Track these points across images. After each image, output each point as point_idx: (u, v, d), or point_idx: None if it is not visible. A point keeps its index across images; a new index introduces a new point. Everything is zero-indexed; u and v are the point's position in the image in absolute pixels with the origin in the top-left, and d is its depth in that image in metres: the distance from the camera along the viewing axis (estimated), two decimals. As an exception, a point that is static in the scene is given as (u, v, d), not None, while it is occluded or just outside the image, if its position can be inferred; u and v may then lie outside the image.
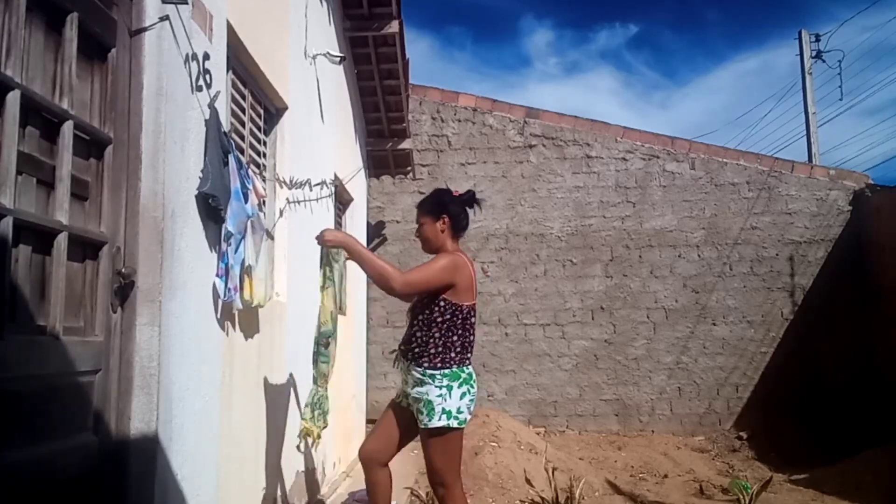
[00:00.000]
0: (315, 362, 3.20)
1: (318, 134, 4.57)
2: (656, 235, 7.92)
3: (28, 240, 1.65)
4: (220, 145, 2.51)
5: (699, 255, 7.89)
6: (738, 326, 7.80)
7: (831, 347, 7.61)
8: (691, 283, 7.86)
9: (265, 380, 3.23)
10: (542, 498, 4.50)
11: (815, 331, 7.66)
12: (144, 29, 2.08)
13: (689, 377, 7.78)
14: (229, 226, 2.55)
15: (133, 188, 2.04)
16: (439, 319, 2.79)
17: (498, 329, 7.86)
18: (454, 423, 2.74)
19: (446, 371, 2.76)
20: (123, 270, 1.99)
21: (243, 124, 3.22)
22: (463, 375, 2.79)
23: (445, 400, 2.73)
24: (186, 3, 2.23)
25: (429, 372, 2.76)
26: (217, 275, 2.53)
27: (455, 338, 2.79)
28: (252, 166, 3.30)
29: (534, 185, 8.03)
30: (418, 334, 2.83)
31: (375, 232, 7.91)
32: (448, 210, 2.94)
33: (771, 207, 7.91)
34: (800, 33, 13.04)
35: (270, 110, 3.70)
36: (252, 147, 3.39)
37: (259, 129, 3.51)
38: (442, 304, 2.79)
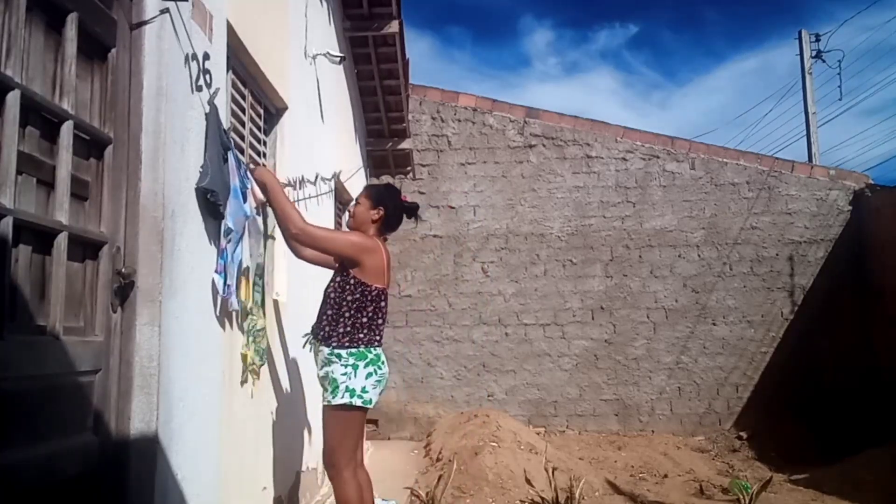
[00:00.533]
0: (250, 294, 3.08)
1: (318, 134, 4.57)
2: (656, 235, 7.93)
3: (28, 240, 1.65)
4: (219, 142, 2.51)
5: (699, 255, 7.89)
6: (738, 326, 7.80)
7: (831, 347, 7.61)
8: (691, 283, 7.86)
9: (265, 380, 3.23)
10: (542, 498, 4.50)
11: (815, 331, 7.67)
12: (145, 22, 2.08)
13: (689, 377, 7.79)
14: (229, 222, 2.55)
15: (133, 188, 2.04)
16: (349, 298, 2.86)
17: (498, 329, 7.86)
18: (357, 402, 2.79)
19: (353, 350, 2.83)
20: (123, 270, 1.99)
21: (243, 124, 3.22)
22: (370, 356, 2.84)
23: (350, 378, 2.80)
24: (186, 0, 2.23)
25: (336, 351, 2.83)
26: (216, 271, 2.53)
27: (364, 318, 2.86)
28: (252, 166, 3.30)
29: (534, 185, 8.03)
30: (329, 312, 2.90)
31: (375, 232, 7.90)
32: (387, 206, 3.06)
33: (771, 207, 7.91)
34: (800, 33, 13.05)
35: (270, 110, 3.70)
36: (252, 147, 3.39)
37: (259, 128, 3.51)
38: (352, 281, 2.86)
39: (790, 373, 7.61)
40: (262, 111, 3.55)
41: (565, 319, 7.87)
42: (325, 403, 2.86)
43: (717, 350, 7.79)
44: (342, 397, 2.79)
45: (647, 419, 7.74)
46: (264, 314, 3.14)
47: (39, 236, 1.70)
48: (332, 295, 2.92)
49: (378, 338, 2.92)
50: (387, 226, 3.08)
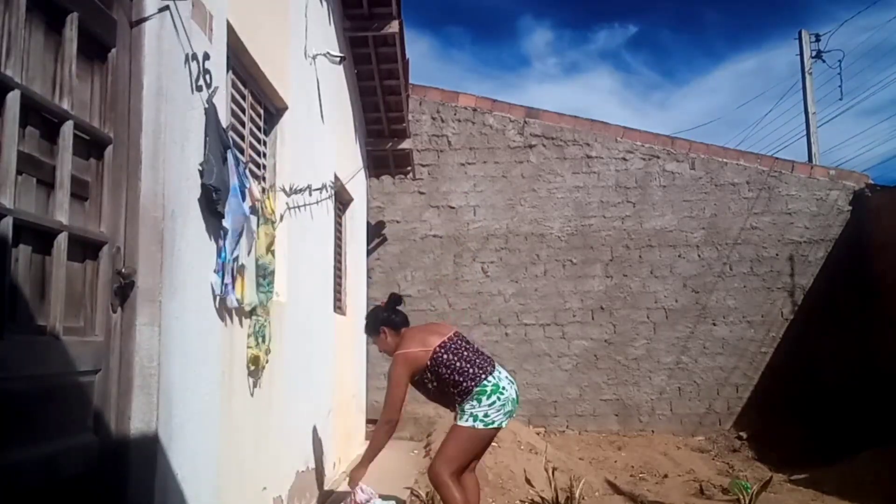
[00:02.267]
0: (256, 293, 3.06)
1: (318, 134, 4.57)
2: (656, 235, 7.92)
3: (28, 240, 1.65)
4: (220, 141, 2.51)
5: (699, 255, 7.89)
6: (738, 326, 7.80)
7: (831, 347, 7.61)
8: (691, 283, 7.86)
9: (265, 380, 3.23)
10: (542, 498, 4.50)
11: (815, 331, 7.66)
12: (145, 19, 2.08)
13: (689, 377, 7.78)
14: (226, 222, 2.55)
15: (133, 188, 2.04)
16: (436, 383, 3.33)
17: (498, 329, 7.86)
18: (479, 425, 3.21)
19: (474, 395, 3.25)
20: (123, 270, 1.99)
21: (243, 124, 3.22)
22: (488, 388, 3.22)
23: (475, 408, 3.23)
24: (185, 0, 2.23)
25: (459, 406, 3.32)
26: (214, 270, 2.53)
27: (456, 377, 3.25)
28: (252, 166, 3.30)
29: (534, 185, 8.03)
30: (444, 401, 3.42)
31: (375, 232, 7.91)
32: (383, 322, 3.52)
33: (771, 207, 7.91)
34: (800, 33, 13.05)
35: (270, 110, 3.70)
36: (252, 147, 3.39)
37: (259, 129, 3.51)
38: (424, 378, 3.35)
39: (790, 373, 7.60)
40: (262, 111, 3.55)
41: (565, 319, 7.87)
42: (454, 423, 3.31)
43: (717, 350, 7.79)
44: (465, 421, 3.23)
45: (647, 419, 7.74)
46: (268, 314, 3.15)
47: (39, 236, 1.70)
48: (433, 390, 3.39)
49: (480, 372, 3.26)
50: (396, 327, 3.52)
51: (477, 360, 3.33)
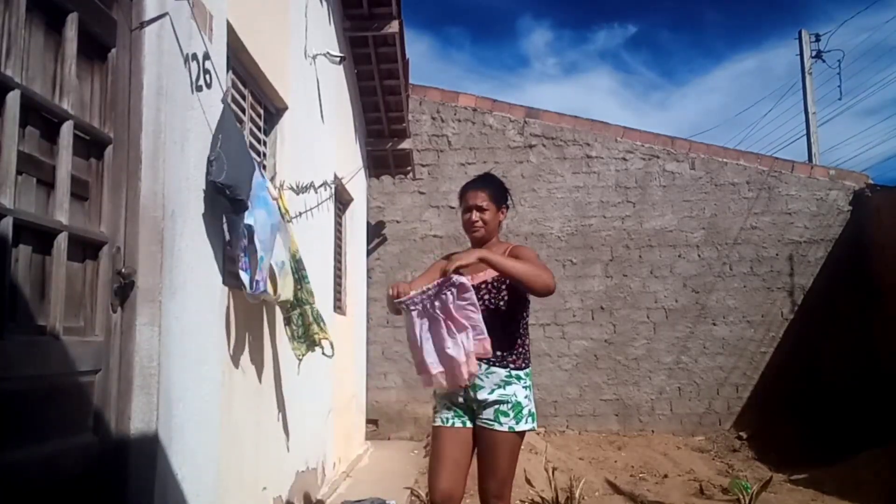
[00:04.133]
0: (302, 287, 3.29)
1: (318, 134, 4.57)
2: (656, 235, 7.92)
3: (28, 240, 1.65)
4: (239, 139, 2.54)
5: (699, 255, 7.89)
6: (738, 326, 7.80)
7: (831, 347, 7.60)
8: (691, 283, 7.86)
9: (265, 380, 3.23)
10: (542, 498, 4.50)
11: (815, 331, 7.66)
12: (144, 24, 2.08)
13: (689, 377, 7.78)
14: (249, 219, 2.55)
15: (133, 188, 2.04)
16: (523, 314, 2.62)
17: (498, 329, 7.85)
18: (536, 427, 2.64)
19: (529, 371, 2.61)
20: (123, 270, 1.99)
21: (243, 124, 3.22)
22: (532, 376, 2.68)
23: (531, 401, 2.56)
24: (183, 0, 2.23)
25: (515, 372, 2.53)
26: (241, 268, 2.56)
27: (528, 339, 2.68)
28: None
29: (534, 185, 8.03)
30: (498, 332, 2.50)
31: (375, 232, 7.91)
32: (508, 203, 2.73)
33: (771, 207, 7.90)
34: (800, 33, 13.05)
35: (270, 110, 3.70)
36: (252, 147, 3.39)
37: (259, 128, 3.52)
38: (525, 300, 2.60)
39: (790, 373, 7.60)
40: (262, 111, 3.55)
41: (565, 319, 7.87)
42: (506, 430, 2.47)
43: (717, 350, 7.78)
44: (526, 423, 2.50)
45: (647, 419, 7.74)
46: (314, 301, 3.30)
47: (39, 236, 1.70)
48: (505, 309, 2.54)
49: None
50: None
51: None
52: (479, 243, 2.63)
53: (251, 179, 2.58)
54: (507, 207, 2.69)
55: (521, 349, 2.58)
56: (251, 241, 2.57)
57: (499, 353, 2.51)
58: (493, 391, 2.49)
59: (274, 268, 2.88)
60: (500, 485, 2.51)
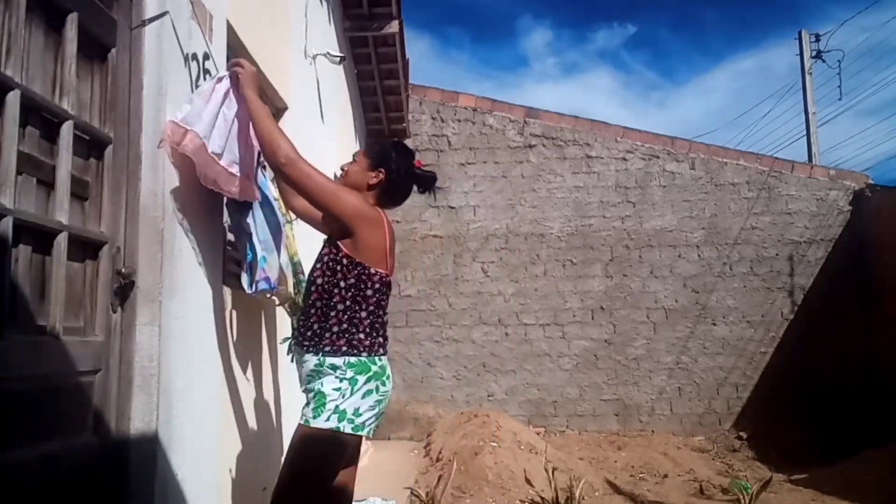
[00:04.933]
0: (298, 292, 3.05)
1: (318, 134, 4.57)
2: (656, 235, 7.92)
3: (28, 240, 1.65)
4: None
5: (699, 255, 7.89)
6: (738, 326, 7.80)
7: (831, 347, 7.60)
8: (691, 283, 7.86)
9: (265, 380, 3.23)
10: (542, 498, 4.50)
11: (815, 331, 7.66)
12: (145, 22, 2.08)
13: (689, 377, 7.78)
14: (250, 220, 2.56)
15: (133, 188, 2.04)
16: (342, 284, 2.17)
17: (498, 329, 7.86)
18: (346, 428, 2.10)
19: (352, 359, 2.13)
20: (123, 270, 1.99)
21: (243, 124, 3.22)
22: (374, 368, 2.15)
23: (343, 396, 2.10)
24: None
25: (329, 360, 2.13)
26: (243, 269, 2.56)
27: (363, 313, 2.16)
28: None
29: (534, 185, 8.03)
30: (318, 304, 2.20)
31: (375, 232, 7.90)
32: (391, 169, 2.33)
33: (771, 207, 7.90)
34: (800, 33, 13.05)
35: (270, 110, 3.70)
36: (252, 147, 3.39)
37: (259, 129, 3.51)
38: (345, 261, 2.17)
39: (790, 373, 7.60)
40: (262, 111, 3.54)
41: (565, 319, 7.87)
42: (302, 421, 2.14)
43: (717, 350, 7.78)
44: (327, 419, 2.08)
45: (647, 419, 7.73)
46: None
47: (39, 236, 1.70)
48: (320, 280, 2.21)
49: (381, 340, 2.22)
50: (388, 195, 2.36)
51: (384, 327, 2.28)
52: None
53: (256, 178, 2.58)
54: (384, 171, 2.31)
55: (336, 328, 2.14)
56: (251, 241, 2.58)
57: (309, 333, 2.19)
58: (308, 383, 2.21)
59: (283, 268, 2.88)
60: (279, 483, 2.14)
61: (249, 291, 2.61)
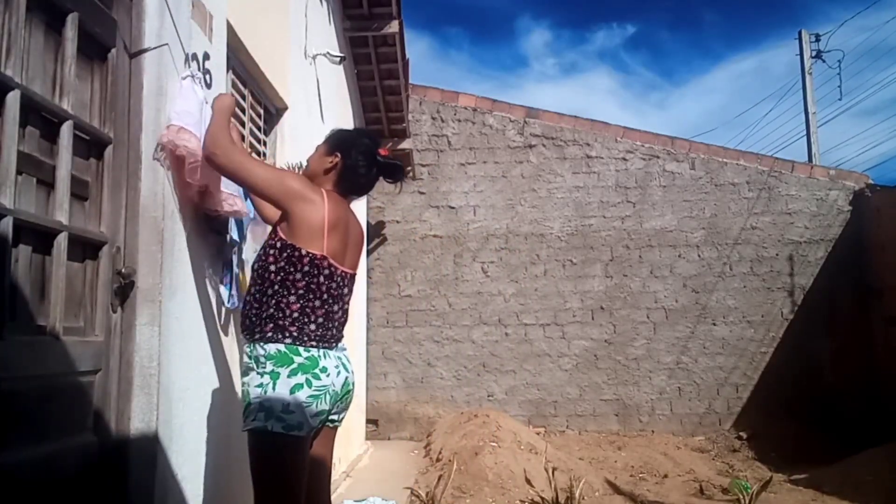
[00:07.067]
0: None
1: (319, 134, 4.55)
2: (656, 235, 7.92)
3: (28, 240, 1.65)
4: None
5: (699, 255, 7.89)
6: (738, 326, 7.80)
7: (831, 347, 7.61)
8: (691, 283, 7.86)
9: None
10: (542, 498, 4.50)
11: (815, 331, 7.66)
12: (144, 51, 2.09)
13: (689, 377, 7.78)
14: (233, 232, 2.56)
15: (133, 188, 2.04)
16: (272, 269, 2.04)
17: (498, 329, 7.86)
18: (276, 427, 1.94)
19: (271, 349, 1.99)
20: (123, 270, 1.99)
21: (243, 124, 3.22)
22: (298, 359, 1.98)
23: (265, 392, 1.96)
24: None
25: (256, 350, 2.01)
26: (223, 283, 2.55)
27: (291, 297, 2.02)
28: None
29: (534, 185, 8.03)
30: (252, 290, 2.10)
31: (375, 232, 7.91)
32: (348, 154, 2.21)
33: (771, 207, 7.90)
34: (800, 33, 13.04)
35: (270, 110, 3.70)
36: (252, 147, 3.39)
37: (259, 128, 3.51)
38: (279, 245, 2.06)
39: (790, 373, 7.60)
40: (262, 111, 3.55)
41: (565, 319, 7.87)
42: (242, 429, 2.04)
43: (717, 350, 7.78)
44: (254, 419, 1.96)
45: (647, 419, 7.73)
46: None
47: (39, 236, 1.70)
48: (256, 265, 2.11)
49: (320, 332, 2.04)
50: (346, 181, 2.22)
51: (329, 317, 2.09)
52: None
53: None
54: (340, 155, 2.21)
55: (265, 313, 2.02)
56: (236, 255, 2.59)
57: (248, 322, 2.08)
58: (242, 375, 2.11)
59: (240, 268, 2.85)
60: (254, 498, 2.05)
61: (227, 305, 2.61)
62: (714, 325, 7.81)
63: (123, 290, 2.00)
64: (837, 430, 7.11)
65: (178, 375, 2.15)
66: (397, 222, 8.05)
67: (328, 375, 2.03)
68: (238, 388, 2.81)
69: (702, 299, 7.84)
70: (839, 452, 6.30)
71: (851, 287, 7.66)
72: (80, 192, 1.88)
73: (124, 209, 2.03)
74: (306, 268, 2.04)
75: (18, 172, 1.60)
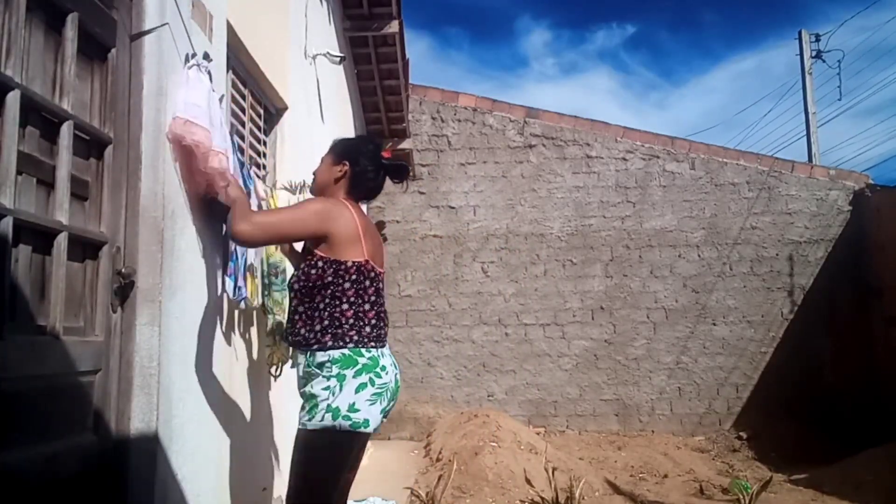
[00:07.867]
0: (269, 294, 3.02)
1: (319, 134, 4.57)
2: (656, 235, 7.92)
3: (28, 240, 1.65)
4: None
5: (699, 255, 7.89)
6: (738, 326, 7.80)
7: (831, 347, 7.61)
8: (691, 283, 7.86)
9: (265, 379, 3.23)
10: (542, 498, 4.50)
11: (815, 331, 7.66)
12: (144, 32, 2.08)
13: (689, 377, 7.78)
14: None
15: (133, 188, 2.04)
16: (319, 283, 2.16)
17: (498, 329, 7.86)
18: (344, 424, 2.07)
19: (336, 354, 2.11)
20: (123, 270, 1.99)
21: (243, 124, 3.22)
22: (361, 360, 2.12)
23: (333, 394, 2.08)
24: None
25: (317, 358, 2.14)
26: (227, 274, 2.55)
27: (345, 306, 2.15)
28: (252, 166, 3.31)
29: (534, 185, 8.03)
30: (300, 308, 2.20)
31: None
32: (354, 161, 2.33)
33: (771, 207, 7.91)
34: (800, 33, 13.05)
35: (270, 110, 3.70)
36: (252, 147, 3.39)
37: (259, 129, 3.52)
38: (321, 264, 2.16)
39: (790, 373, 7.60)
40: (262, 111, 3.55)
41: (565, 319, 7.87)
42: (300, 426, 2.16)
43: (717, 350, 7.79)
44: (321, 419, 2.08)
45: (647, 419, 7.74)
46: (284, 311, 3.16)
47: (39, 236, 1.70)
48: (297, 286, 2.21)
49: (375, 333, 2.18)
50: (357, 187, 2.35)
51: (379, 318, 2.24)
52: (316, 193, 2.42)
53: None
54: (347, 163, 2.33)
55: (319, 326, 2.14)
56: (236, 247, 2.59)
57: (298, 338, 2.19)
58: (299, 384, 2.23)
59: (250, 271, 2.86)
60: (289, 489, 2.16)
61: (232, 297, 2.61)
62: (714, 325, 7.81)
63: (123, 290, 2.00)
64: (837, 430, 7.11)
65: (178, 375, 2.15)
66: (397, 222, 8.05)
67: (387, 373, 2.18)
68: (238, 388, 2.81)
69: (702, 299, 7.84)
70: (839, 452, 6.30)
71: (851, 287, 7.66)
72: (80, 192, 1.88)
73: (124, 209, 2.03)
74: (353, 276, 2.18)
75: (18, 172, 1.60)
